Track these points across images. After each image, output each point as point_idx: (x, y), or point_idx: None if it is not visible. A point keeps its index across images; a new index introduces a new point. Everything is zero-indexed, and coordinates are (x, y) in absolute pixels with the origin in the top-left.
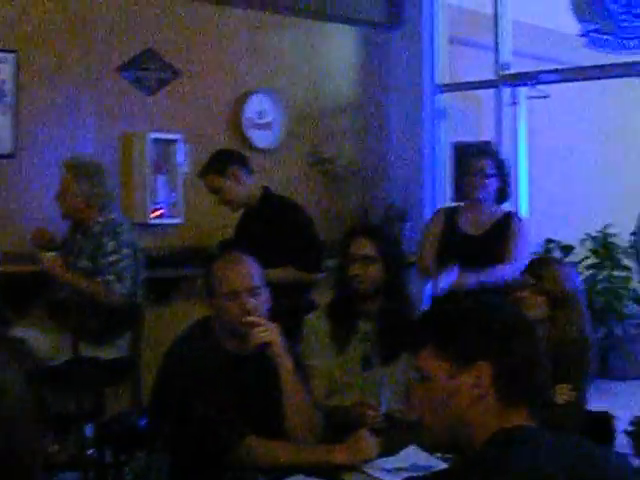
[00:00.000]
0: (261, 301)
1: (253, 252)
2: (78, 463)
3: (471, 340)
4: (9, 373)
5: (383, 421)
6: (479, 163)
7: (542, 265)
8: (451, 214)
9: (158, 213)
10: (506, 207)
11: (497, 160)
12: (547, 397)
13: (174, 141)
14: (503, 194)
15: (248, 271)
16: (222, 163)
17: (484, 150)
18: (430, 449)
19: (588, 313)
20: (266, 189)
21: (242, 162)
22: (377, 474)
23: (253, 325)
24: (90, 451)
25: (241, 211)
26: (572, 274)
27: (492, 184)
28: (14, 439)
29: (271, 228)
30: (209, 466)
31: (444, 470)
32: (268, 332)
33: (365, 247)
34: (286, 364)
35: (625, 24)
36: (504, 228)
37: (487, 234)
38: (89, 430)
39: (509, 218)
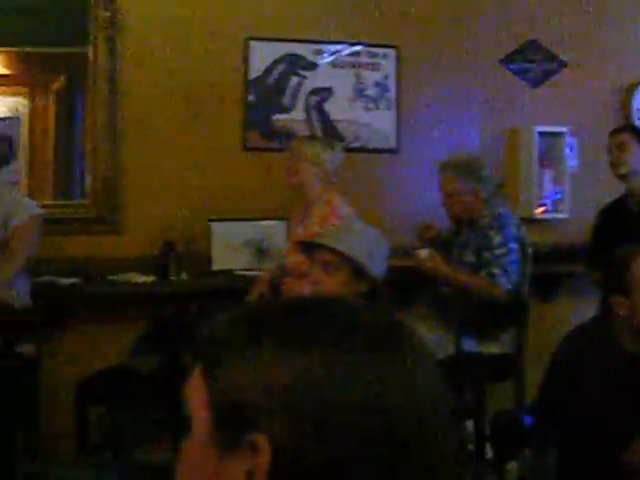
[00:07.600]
0: None
1: None
2: None
3: None
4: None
5: None
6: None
7: None
8: None
9: (542, 209)
10: None
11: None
12: None
13: (560, 134)
14: None
15: None
16: None
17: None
18: None
19: None
20: None
21: None
22: None
23: None
24: (469, 447)
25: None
26: None
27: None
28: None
29: None
30: (600, 466)
31: None
32: None
33: None
34: None
35: None
36: None
37: None
38: (469, 426)
39: None
